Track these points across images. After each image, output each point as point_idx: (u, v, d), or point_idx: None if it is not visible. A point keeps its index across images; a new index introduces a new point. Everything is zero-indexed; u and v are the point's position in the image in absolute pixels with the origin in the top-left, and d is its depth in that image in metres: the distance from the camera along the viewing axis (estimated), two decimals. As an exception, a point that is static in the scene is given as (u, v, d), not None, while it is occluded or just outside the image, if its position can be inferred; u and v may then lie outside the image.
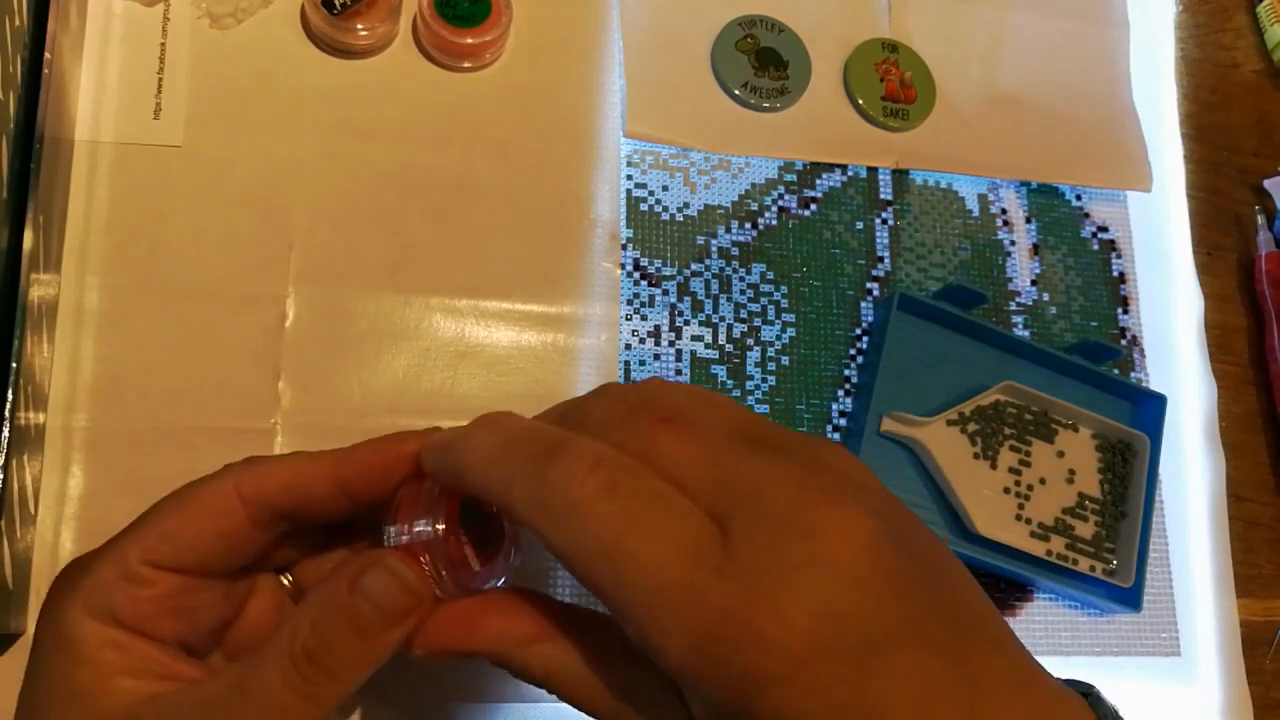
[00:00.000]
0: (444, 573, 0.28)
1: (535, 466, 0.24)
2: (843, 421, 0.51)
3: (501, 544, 0.30)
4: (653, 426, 0.24)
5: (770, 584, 0.21)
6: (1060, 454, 0.52)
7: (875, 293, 0.54)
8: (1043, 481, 0.51)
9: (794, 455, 0.25)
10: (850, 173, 0.55)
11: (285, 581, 0.32)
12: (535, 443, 0.25)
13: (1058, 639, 0.51)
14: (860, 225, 0.55)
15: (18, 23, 0.40)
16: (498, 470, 0.25)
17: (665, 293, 0.51)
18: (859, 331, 0.53)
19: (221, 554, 0.28)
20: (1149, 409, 0.54)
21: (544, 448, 0.24)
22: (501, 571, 0.30)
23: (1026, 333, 0.55)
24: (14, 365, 0.37)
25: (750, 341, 0.51)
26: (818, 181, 0.55)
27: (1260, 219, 0.60)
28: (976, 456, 0.50)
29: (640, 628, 0.22)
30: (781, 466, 0.24)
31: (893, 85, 0.56)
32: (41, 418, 0.42)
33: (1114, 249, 0.58)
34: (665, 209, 0.52)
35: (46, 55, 0.41)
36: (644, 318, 0.50)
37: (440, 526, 0.28)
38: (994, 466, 0.50)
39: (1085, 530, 0.51)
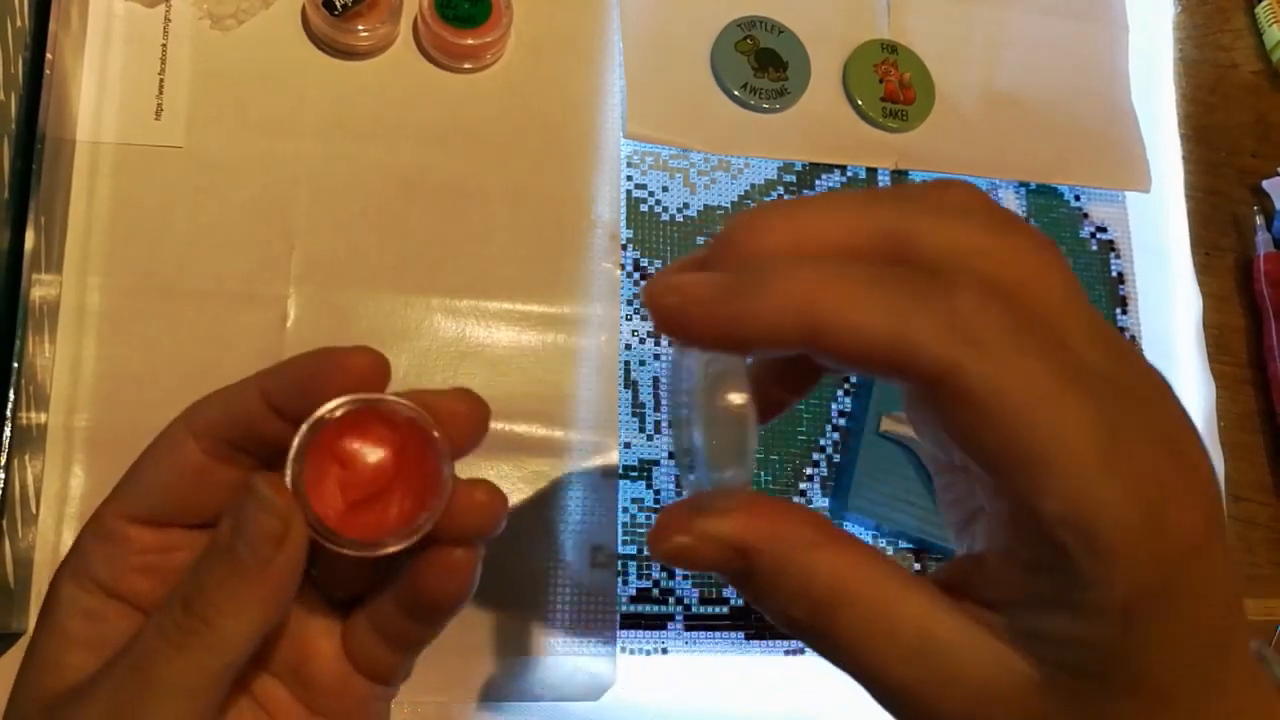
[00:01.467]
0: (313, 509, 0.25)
1: (929, 300, 0.19)
2: (842, 421, 0.51)
3: (405, 498, 0.26)
4: (989, 237, 0.20)
5: (1179, 450, 0.20)
6: (1059, 454, 0.52)
7: (874, 293, 0.54)
8: (1042, 481, 0.51)
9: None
10: (850, 173, 0.55)
11: None
12: (901, 276, 0.20)
13: (1057, 638, 0.51)
14: (859, 226, 0.55)
15: (19, 23, 0.40)
16: (883, 308, 0.19)
17: (665, 293, 0.51)
18: (858, 332, 0.53)
19: (188, 494, 0.27)
20: (1148, 409, 0.54)
21: (911, 278, 0.19)
22: (402, 529, 0.25)
23: (1025, 333, 0.55)
24: (15, 365, 0.38)
25: (750, 341, 0.51)
26: (817, 182, 0.55)
27: (1259, 219, 0.61)
28: (975, 456, 0.50)
29: (1077, 486, 0.19)
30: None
31: (892, 86, 0.56)
32: (43, 417, 0.42)
33: (1113, 249, 0.58)
34: (665, 209, 0.52)
35: (48, 56, 0.41)
36: (644, 318, 0.51)
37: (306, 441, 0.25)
38: (993, 466, 0.50)
39: (1084, 530, 0.51)
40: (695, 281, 0.21)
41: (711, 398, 0.22)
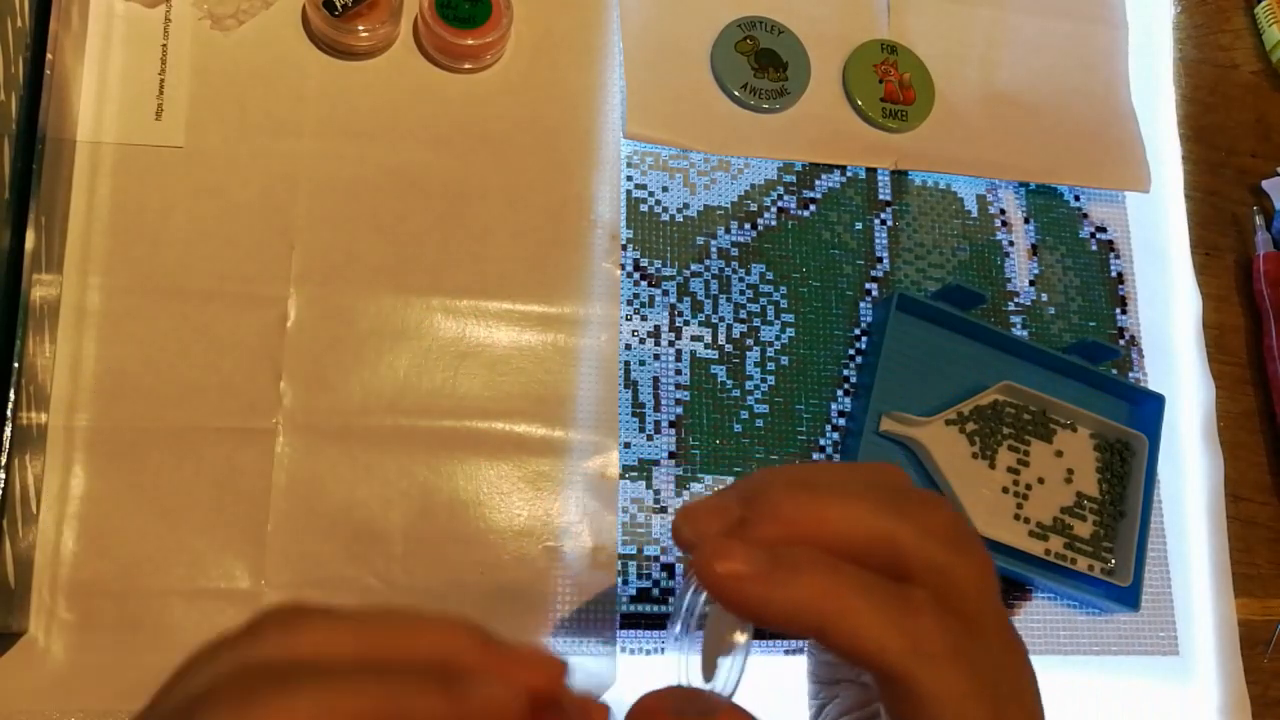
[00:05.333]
0: None
1: (906, 621, 0.25)
2: (841, 421, 0.51)
3: None
4: (972, 561, 0.27)
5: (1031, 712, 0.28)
6: (1059, 454, 0.52)
7: (874, 293, 0.54)
8: (1041, 481, 0.51)
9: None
10: (849, 173, 0.55)
11: None
12: (883, 589, 0.26)
13: (1056, 638, 0.51)
14: (859, 226, 0.55)
15: (20, 23, 0.40)
16: (869, 623, 0.25)
17: (665, 293, 0.51)
18: (858, 332, 0.53)
19: None
20: (1147, 409, 0.54)
21: (894, 595, 0.26)
22: None
23: (1025, 333, 0.55)
24: (16, 365, 0.38)
25: (750, 342, 0.52)
26: (817, 182, 0.55)
27: (1258, 219, 0.61)
28: (975, 456, 0.50)
29: None
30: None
31: (892, 86, 0.56)
32: (43, 417, 0.42)
33: (1112, 249, 0.58)
34: (665, 210, 0.52)
35: (49, 56, 0.41)
36: (644, 318, 0.51)
37: None
38: (992, 466, 0.51)
39: (1084, 530, 0.51)
40: (739, 555, 0.25)
41: (721, 620, 0.27)
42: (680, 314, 0.51)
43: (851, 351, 0.53)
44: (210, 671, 0.22)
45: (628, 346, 0.50)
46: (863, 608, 0.25)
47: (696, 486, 0.49)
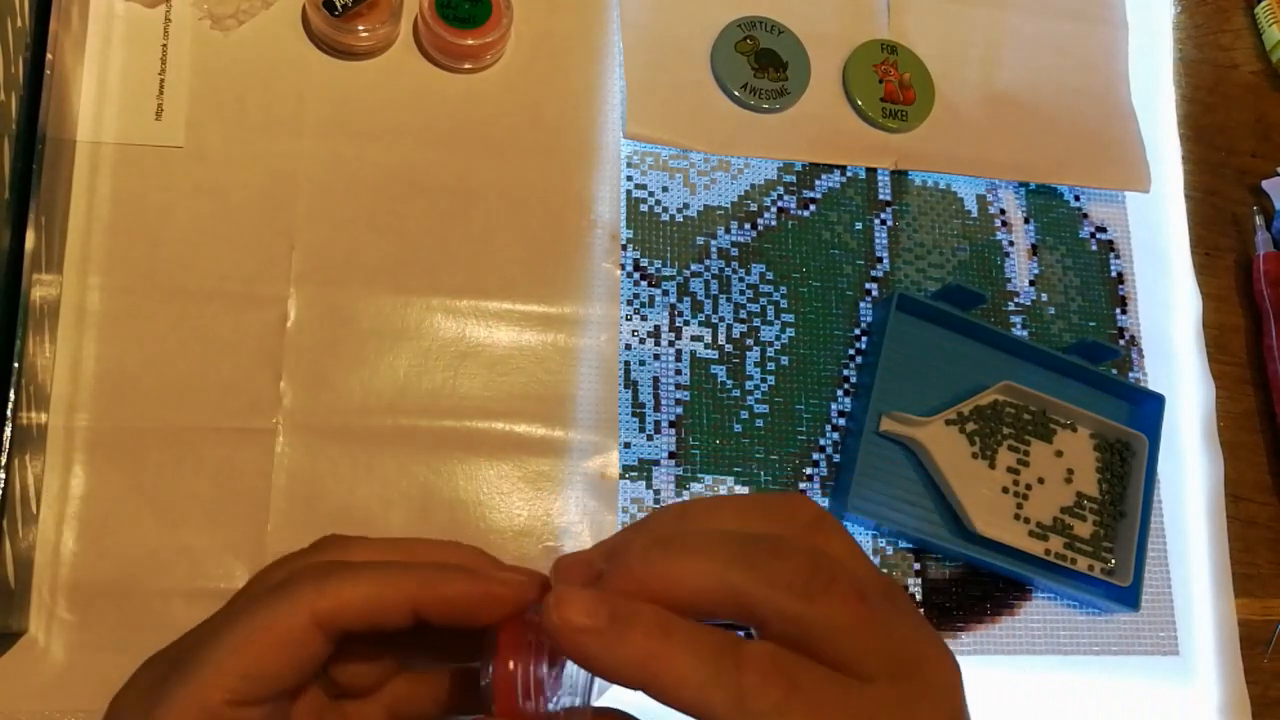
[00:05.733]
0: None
1: (729, 678, 0.25)
2: (841, 421, 0.51)
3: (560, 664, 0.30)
4: (831, 604, 0.26)
5: None
6: (1059, 454, 0.52)
7: (874, 293, 0.54)
8: (1041, 481, 0.51)
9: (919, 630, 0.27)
10: (849, 173, 0.55)
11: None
12: (715, 646, 0.26)
13: (1056, 638, 0.51)
14: (859, 226, 0.55)
15: (19, 23, 0.40)
16: (693, 681, 0.25)
17: (665, 293, 0.51)
18: (858, 332, 0.53)
19: (298, 679, 0.27)
20: (1147, 409, 0.54)
21: (727, 651, 0.25)
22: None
23: (1025, 333, 0.55)
24: (16, 365, 0.38)
25: (750, 341, 0.52)
26: (817, 182, 0.55)
27: (1258, 219, 0.61)
28: (975, 456, 0.50)
29: None
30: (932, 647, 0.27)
31: (891, 86, 0.56)
32: (43, 417, 0.42)
33: (1112, 249, 0.58)
34: (665, 210, 0.52)
35: (48, 56, 0.41)
36: (644, 318, 0.51)
37: (552, 673, 0.29)
38: (992, 466, 0.51)
39: (1084, 530, 0.51)
40: (578, 607, 0.26)
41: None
42: (680, 314, 0.51)
43: (851, 351, 0.53)
44: (288, 567, 0.29)
45: (628, 346, 0.50)
46: (689, 665, 0.25)
47: (696, 486, 0.49)
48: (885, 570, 0.50)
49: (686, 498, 0.49)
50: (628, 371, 0.50)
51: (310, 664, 0.27)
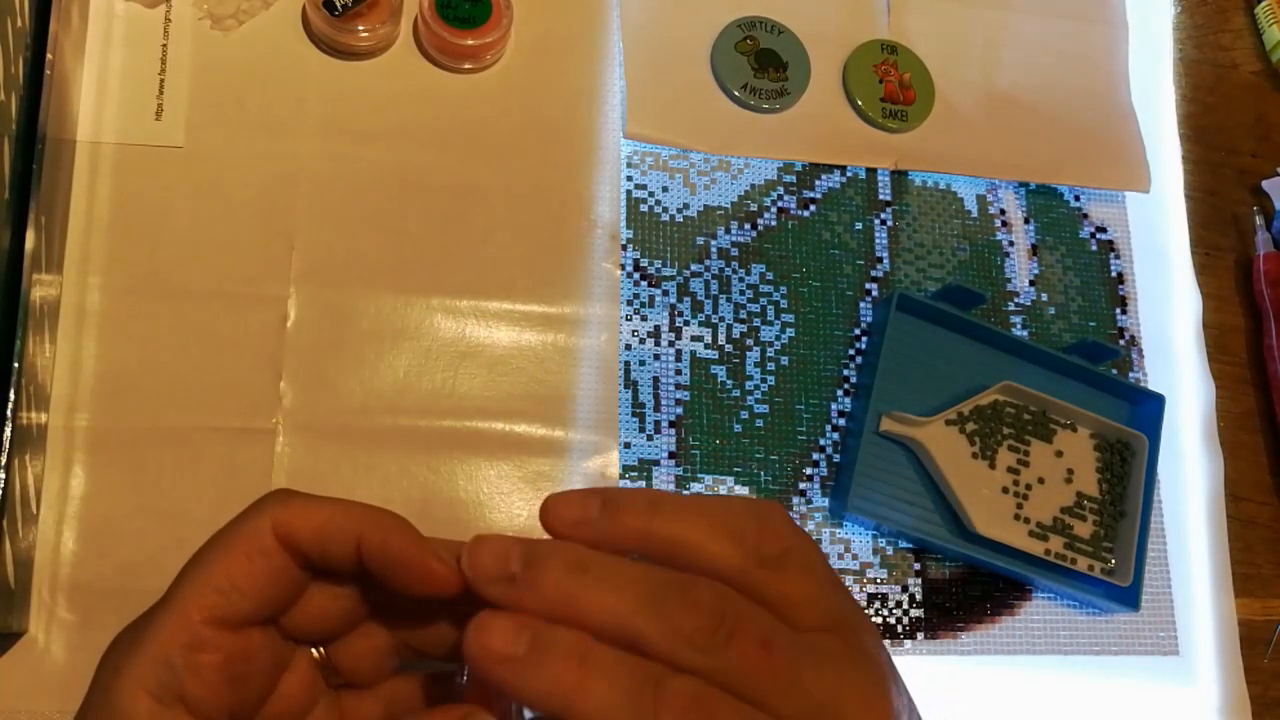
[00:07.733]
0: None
1: (645, 711, 0.24)
2: (841, 421, 0.51)
3: None
4: (729, 657, 0.25)
5: None
6: (1059, 454, 0.52)
7: (874, 293, 0.54)
8: (1041, 481, 0.51)
9: (863, 670, 0.27)
10: (849, 173, 0.55)
11: (316, 654, 0.31)
12: (635, 678, 0.25)
13: (1056, 638, 0.51)
14: (859, 226, 0.55)
15: (20, 24, 0.40)
16: (608, 714, 0.25)
17: (665, 293, 0.51)
18: (858, 331, 0.53)
19: (272, 597, 0.28)
20: (1147, 409, 0.54)
21: (649, 683, 0.25)
22: None
23: (1025, 333, 0.55)
24: (16, 365, 0.38)
25: (750, 342, 0.52)
26: (817, 182, 0.55)
27: (1258, 219, 0.61)
28: (975, 456, 0.50)
29: None
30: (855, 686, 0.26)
31: (892, 86, 0.56)
32: (43, 417, 0.42)
33: (1112, 249, 0.58)
34: (665, 210, 0.52)
35: (48, 56, 0.41)
36: (644, 318, 0.51)
37: None
38: (992, 466, 0.51)
39: (1084, 530, 0.51)
40: (498, 634, 0.25)
41: None
42: (680, 314, 0.51)
43: (851, 351, 0.53)
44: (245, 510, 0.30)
45: (628, 346, 0.50)
46: (605, 697, 0.25)
47: (696, 486, 0.49)
48: (885, 570, 0.50)
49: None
50: (628, 371, 0.50)
51: (278, 580, 0.28)
